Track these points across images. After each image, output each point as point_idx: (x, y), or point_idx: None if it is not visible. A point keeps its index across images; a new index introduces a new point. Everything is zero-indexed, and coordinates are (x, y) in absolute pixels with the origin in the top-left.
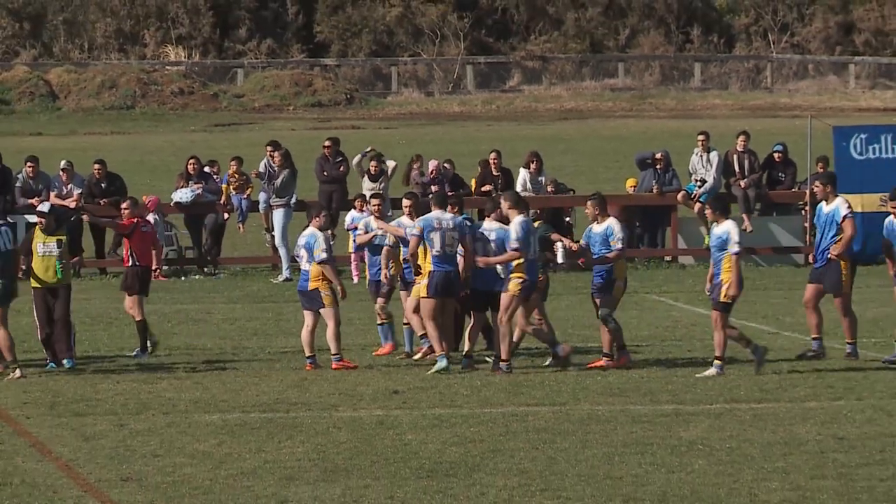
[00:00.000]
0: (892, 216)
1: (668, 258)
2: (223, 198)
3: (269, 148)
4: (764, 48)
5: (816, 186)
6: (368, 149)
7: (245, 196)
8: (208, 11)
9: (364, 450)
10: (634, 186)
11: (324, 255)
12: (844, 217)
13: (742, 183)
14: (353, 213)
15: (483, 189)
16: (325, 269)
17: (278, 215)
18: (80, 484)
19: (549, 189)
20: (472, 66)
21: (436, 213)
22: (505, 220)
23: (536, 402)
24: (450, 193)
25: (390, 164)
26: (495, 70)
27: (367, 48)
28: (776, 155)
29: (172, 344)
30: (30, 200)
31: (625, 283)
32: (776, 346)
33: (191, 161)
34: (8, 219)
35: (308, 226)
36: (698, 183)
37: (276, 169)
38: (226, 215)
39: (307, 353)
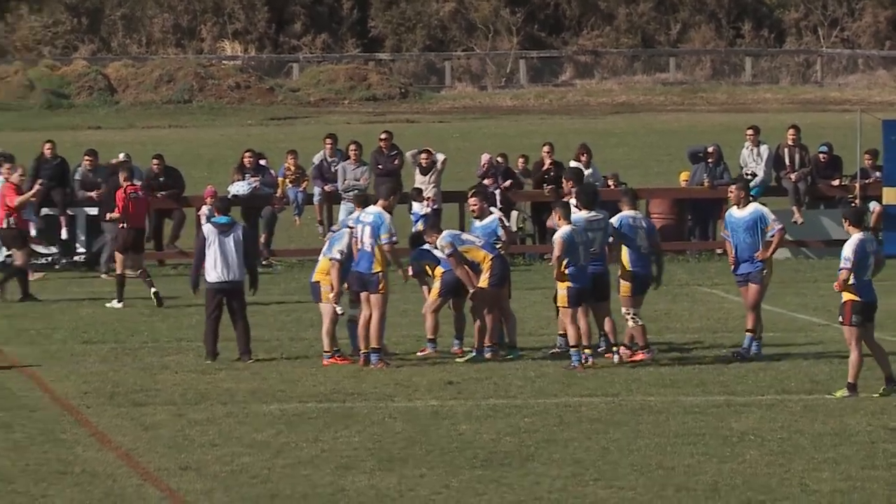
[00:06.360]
0: None
1: (719, 251)
2: (279, 191)
3: (328, 140)
4: (814, 43)
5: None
6: (423, 150)
7: (301, 189)
8: (264, 7)
9: (419, 439)
10: (687, 180)
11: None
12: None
13: (792, 176)
14: (415, 206)
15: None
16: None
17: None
18: (139, 472)
19: (611, 184)
20: (524, 61)
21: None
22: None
23: (590, 393)
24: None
25: (440, 157)
26: (548, 64)
27: (420, 43)
28: (821, 156)
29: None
30: (89, 193)
31: None
32: (826, 338)
33: (246, 154)
34: (68, 211)
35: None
36: (749, 176)
37: (329, 162)
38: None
39: (327, 348)
